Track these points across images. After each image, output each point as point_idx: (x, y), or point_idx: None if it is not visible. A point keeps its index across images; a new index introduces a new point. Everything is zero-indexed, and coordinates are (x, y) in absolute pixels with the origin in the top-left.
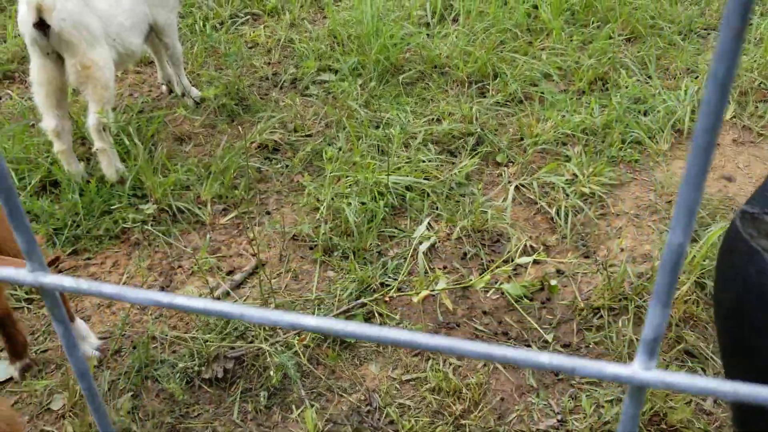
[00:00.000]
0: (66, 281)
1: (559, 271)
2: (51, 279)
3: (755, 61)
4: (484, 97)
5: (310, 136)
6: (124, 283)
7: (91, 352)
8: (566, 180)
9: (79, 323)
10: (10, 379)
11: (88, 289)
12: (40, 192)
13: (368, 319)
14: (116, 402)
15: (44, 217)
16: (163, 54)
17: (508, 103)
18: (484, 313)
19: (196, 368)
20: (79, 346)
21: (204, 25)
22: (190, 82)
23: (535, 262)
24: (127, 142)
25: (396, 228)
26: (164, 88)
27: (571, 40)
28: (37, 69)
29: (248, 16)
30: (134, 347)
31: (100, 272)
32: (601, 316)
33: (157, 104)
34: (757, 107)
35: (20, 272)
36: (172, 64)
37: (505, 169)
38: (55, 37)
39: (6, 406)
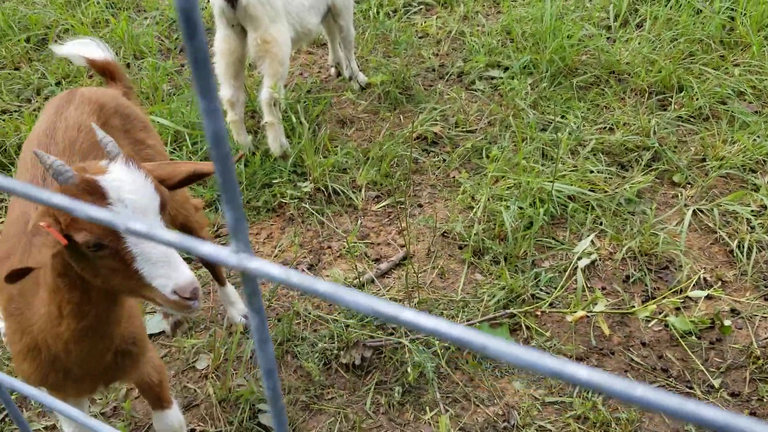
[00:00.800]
0: (274, 270)
1: (734, 311)
2: (257, 265)
3: None
4: (665, 110)
5: (471, 132)
6: (275, 257)
7: (238, 318)
8: (752, 211)
9: (230, 288)
10: (162, 332)
11: (299, 283)
12: (208, 159)
13: (514, 330)
14: (256, 372)
15: (211, 182)
16: (337, 36)
17: (691, 119)
18: (643, 344)
19: (334, 351)
20: (269, 341)
21: (378, 12)
22: (358, 67)
23: (708, 297)
24: (293, 120)
25: (553, 239)
26: (333, 70)
27: None
28: (221, 40)
29: (421, 6)
30: (279, 320)
31: (254, 242)
32: None
33: (324, 86)
34: None
35: (223, 252)
36: (343, 47)
37: (682, 190)
38: (241, 11)
39: (157, 357)
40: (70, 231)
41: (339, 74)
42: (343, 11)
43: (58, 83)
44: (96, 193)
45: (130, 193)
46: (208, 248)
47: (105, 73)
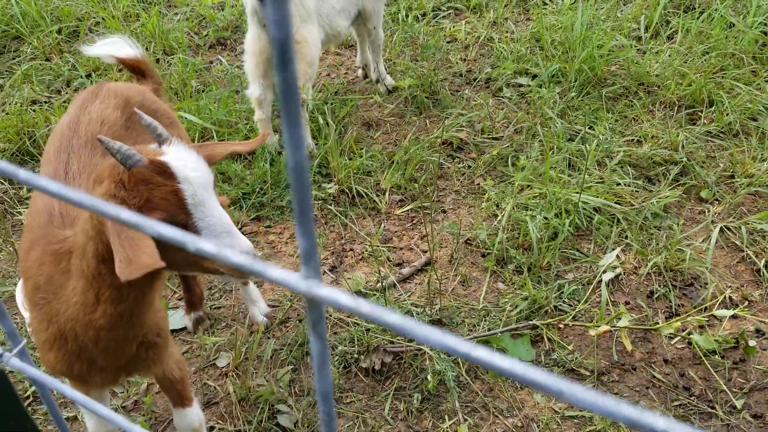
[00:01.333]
0: (343, 299)
1: (759, 331)
2: (326, 293)
3: None
4: (694, 124)
5: (497, 139)
6: (297, 257)
7: (260, 318)
8: None
9: (252, 287)
10: (184, 328)
11: (369, 313)
12: (236, 157)
13: (535, 342)
14: (276, 372)
15: (236, 180)
16: (365, 38)
17: (721, 134)
18: (666, 361)
19: (354, 355)
20: (328, 366)
21: (407, 15)
22: (386, 70)
23: (733, 316)
24: (320, 121)
25: (578, 251)
26: (360, 72)
27: None
28: (252, 38)
29: (450, 11)
30: (300, 320)
31: (277, 241)
32: None
33: (351, 87)
34: None
35: (293, 277)
36: (372, 50)
37: (710, 206)
38: None
39: (179, 353)
40: (143, 212)
41: (366, 76)
42: (372, 15)
43: (88, 75)
44: (165, 173)
45: (192, 171)
46: (277, 273)
47: (135, 70)
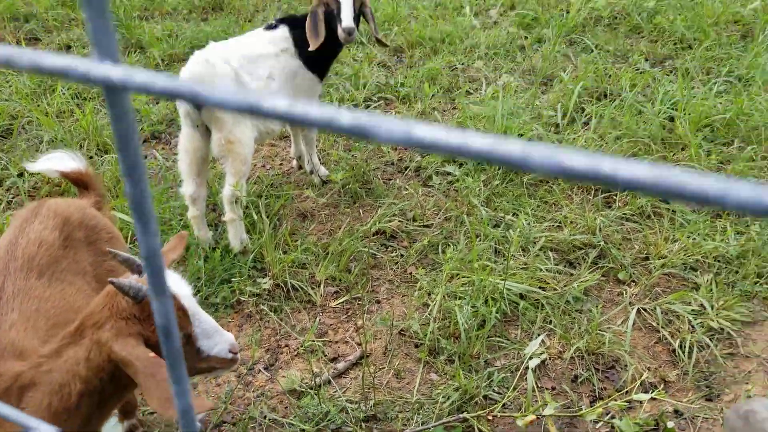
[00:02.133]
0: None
1: (677, 412)
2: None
3: None
4: (610, 207)
5: (428, 227)
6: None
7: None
8: (693, 311)
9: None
10: None
11: (163, 87)
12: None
13: None
14: None
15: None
16: (299, 132)
17: (635, 216)
18: None
19: None
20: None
21: (339, 106)
22: (320, 161)
23: (652, 398)
24: (254, 216)
25: (506, 338)
26: (295, 162)
27: (709, 158)
28: (186, 138)
29: (381, 101)
30: (234, 424)
31: None
32: None
33: (286, 179)
34: None
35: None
36: (305, 143)
37: (627, 288)
38: (206, 112)
39: None
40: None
41: (301, 167)
42: None
43: (20, 174)
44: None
45: (184, 288)
46: None
47: (78, 183)
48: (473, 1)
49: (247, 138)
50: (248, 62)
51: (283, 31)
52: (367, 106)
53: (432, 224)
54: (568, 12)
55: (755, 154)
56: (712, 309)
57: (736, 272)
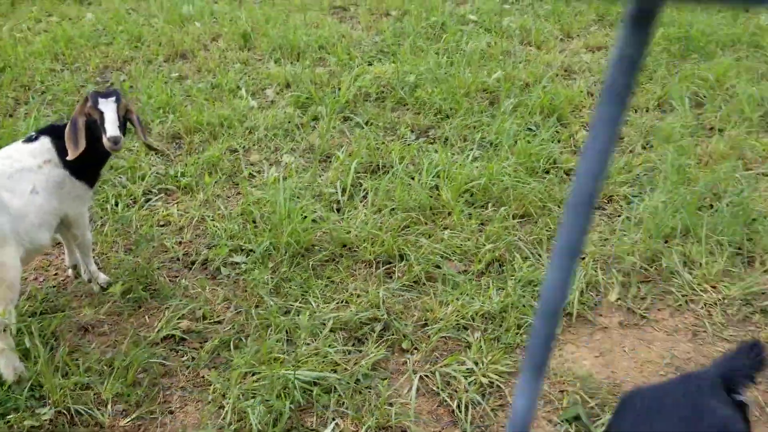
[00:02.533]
0: None
1: None
2: None
3: (635, 243)
4: (391, 279)
5: (219, 323)
6: None
7: None
8: (466, 369)
9: None
10: None
11: None
12: None
13: None
14: None
15: None
16: (72, 242)
17: (413, 285)
18: None
19: None
20: None
21: (116, 203)
22: (98, 266)
23: None
24: (28, 344)
25: (304, 427)
26: (71, 272)
27: (470, 221)
28: None
29: (161, 193)
30: None
31: None
32: None
33: (62, 291)
34: (639, 288)
35: None
36: (80, 251)
37: (410, 356)
38: None
39: None
40: None
41: (78, 276)
42: (76, 221)
43: None
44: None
45: None
46: None
47: None
48: (249, 81)
49: (12, 259)
50: (7, 179)
51: (43, 142)
52: (148, 200)
53: (223, 320)
54: (339, 89)
55: (507, 214)
56: (482, 365)
57: (500, 326)
